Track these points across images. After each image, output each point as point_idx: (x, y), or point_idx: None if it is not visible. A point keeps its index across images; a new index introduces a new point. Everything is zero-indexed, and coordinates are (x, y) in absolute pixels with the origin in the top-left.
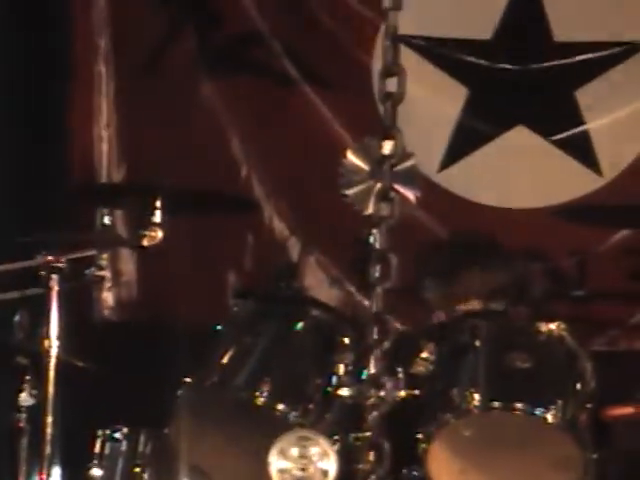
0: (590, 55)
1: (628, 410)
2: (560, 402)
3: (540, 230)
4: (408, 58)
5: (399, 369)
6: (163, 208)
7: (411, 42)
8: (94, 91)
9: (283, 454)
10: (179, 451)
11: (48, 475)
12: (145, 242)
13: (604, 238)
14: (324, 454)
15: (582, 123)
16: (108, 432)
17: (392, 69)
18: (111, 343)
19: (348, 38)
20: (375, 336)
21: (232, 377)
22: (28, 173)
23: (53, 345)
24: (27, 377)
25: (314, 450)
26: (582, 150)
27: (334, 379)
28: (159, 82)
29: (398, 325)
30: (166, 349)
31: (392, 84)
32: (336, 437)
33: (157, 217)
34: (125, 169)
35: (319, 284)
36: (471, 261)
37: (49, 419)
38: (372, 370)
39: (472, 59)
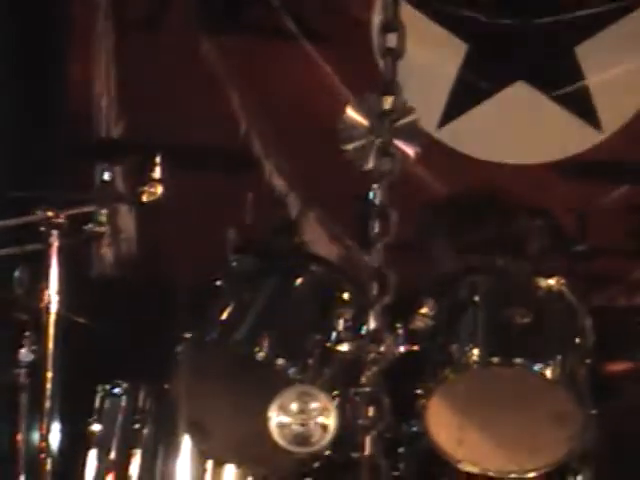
0: (590, 10)
1: (627, 366)
2: (559, 357)
3: (540, 186)
4: (408, 14)
5: (398, 325)
6: (162, 164)
7: None
8: (93, 46)
9: (283, 409)
10: (179, 407)
11: (48, 430)
12: (144, 198)
13: (604, 194)
14: (324, 409)
15: (582, 79)
16: (107, 388)
17: (392, 24)
18: (110, 299)
19: None
20: (375, 291)
21: (231, 333)
22: (27, 128)
23: (53, 301)
24: (27, 333)
25: (314, 405)
26: (582, 106)
27: (333, 334)
28: (158, 38)
29: (397, 281)
30: (165, 305)
31: (392, 40)
32: (336, 392)
33: (156, 173)
34: (124, 125)
35: (319, 240)
36: (473, 217)
37: (49, 375)
38: (372, 325)
39: (472, 14)
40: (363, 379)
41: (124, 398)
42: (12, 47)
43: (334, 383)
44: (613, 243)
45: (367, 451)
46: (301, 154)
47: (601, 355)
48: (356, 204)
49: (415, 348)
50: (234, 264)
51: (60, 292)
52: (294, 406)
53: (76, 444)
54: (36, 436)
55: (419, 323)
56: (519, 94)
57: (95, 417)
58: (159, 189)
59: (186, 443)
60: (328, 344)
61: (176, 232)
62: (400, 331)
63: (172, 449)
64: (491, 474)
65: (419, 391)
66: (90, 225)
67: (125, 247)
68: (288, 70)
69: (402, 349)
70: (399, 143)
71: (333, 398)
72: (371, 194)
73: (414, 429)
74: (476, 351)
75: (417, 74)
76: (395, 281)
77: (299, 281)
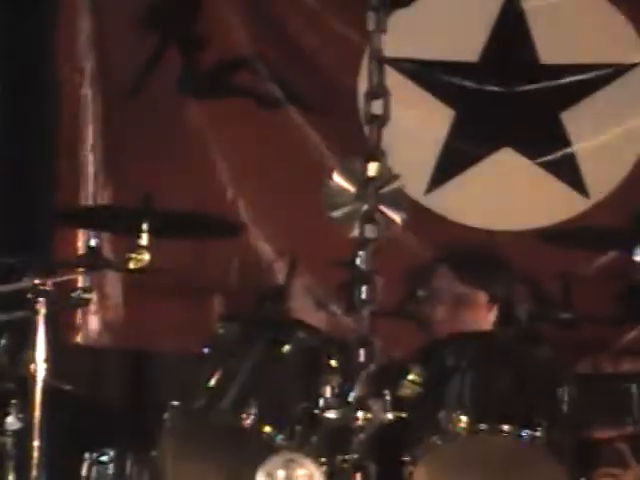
0: (576, 77)
1: (613, 433)
2: (546, 425)
3: (526, 252)
4: (394, 80)
5: (386, 391)
6: (149, 231)
7: (397, 64)
8: (80, 114)
9: (270, 476)
10: (166, 474)
11: None
12: (131, 265)
13: (590, 260)
14: (310, 476)
15: (568, 145)
16: (95, 455)
17: (377, 91)
18: (97, 366)
19: (334, 61)
20: (361, 358)
21: (218, 400)
22: (14, 196)
23: (39, 368)
24: (13, 401)
25: (300, 472)
26: (568, 172)
27: (321, 401)
28: (145, 104)
29: (384, 347)
30: (152, 372)
31: (377, 106)
32: (323, 459)
33: (144, 240)
34: (111, 192)
35: (305, 307)
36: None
37: (35, 443)
38: (358, 392)
39: (459, 81)
40: (350, 446)
41: (111, 466)
42: (0, 115)
43: (321, 450)
44: (599, 310)
45: None
46: (288, 220)
47: (587, 423)
48: (342, 270)
49: (402, 415)
50: (220, 331)
51: (47, 360)
52: (281, 473)
53: None
54: None
55: (406, 390)
56: (505, 160)
57: None
58: (146, 256)
59: None
60: (315, 411)
61: (162, 299)
62: (387, 398)
63: None
64: None
65: (406, 458)
66: (77, 292)
67: (112, 314)
68: (274, 136)
69: (389, 416)
70: (385, 209)
71: (320, 465)
72: (357, 260)
73: None
74: (464, 418)
75: (404, 140)
76: (381, 348)
77: (286, 348)
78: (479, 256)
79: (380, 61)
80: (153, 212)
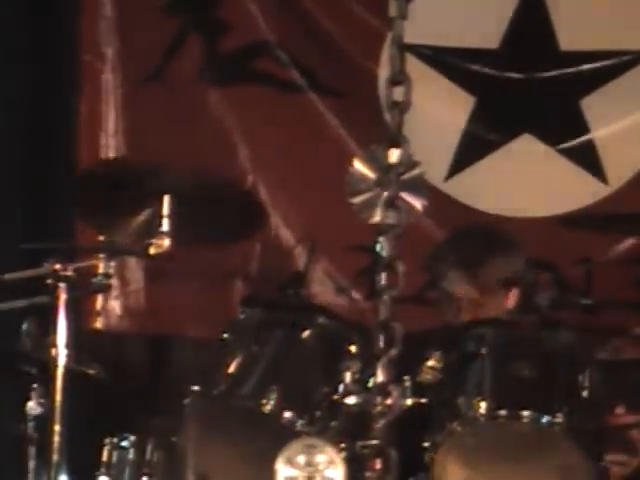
0: (596, 64)
1: (634, 419)
2: (566, 410)
3: (547, 239)
4: (415, 67)
5: (406, 377)
6: (170, 216)
7: (418, 51)
8: (102, 100)
9: (290, 462)
10: (187, 460)
11: None
12: (152, 251)
13: (610, 247)
14: (331, 462)
15: (588, 132)
16: (115, 440)
17: (398, 78)
18: (118, 352)
19: (354, 47)
20: (382, 344)
21: (239, 385)
22: (35, 180)
23: (61, 354)
24: (34, 386)
25: (321, 458)
26: (588, 159)
27: (341, 387)
28: (166, 90)
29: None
30: (174, 357)
31: (398, 93)
32: (343, 445)
33: (164, 226)
34: None
35: (326, 292)
36: (491, 251)
37: (57, 428)
38: (379, 378)
39: (479, 68)
40: (370, 432)
41: (132, 451)
42: (21, 99)
43: (341, 436)
44: (619, 296)
45: None
46: (308, 206)
47: (609, 408)
48: (362, 256)
49: (422, 401)
50: (241, 316)
51: (68, 345)
52: (301, 459)
53: None
54: None
55: (426, 376)
56: (525, 147)
57: (103, 470)
58: (166, 241)
59: None
60: (335, 397)
61: (183, 284)
62: (407, 384)
63: None
64: None
65: (426, 444)
66: (98, 278)
67: (133, 300)
68: (295, 122)
69: (409, 402)
70: (406, 196)
71: (340, 451)
72: (378, 246)
73: None
74: (483, 404)
75: (424, 127)
76: (402, 333)
77: (306, 334)
78: (485, 238)
79: (401, 47)
80: (174, 197)
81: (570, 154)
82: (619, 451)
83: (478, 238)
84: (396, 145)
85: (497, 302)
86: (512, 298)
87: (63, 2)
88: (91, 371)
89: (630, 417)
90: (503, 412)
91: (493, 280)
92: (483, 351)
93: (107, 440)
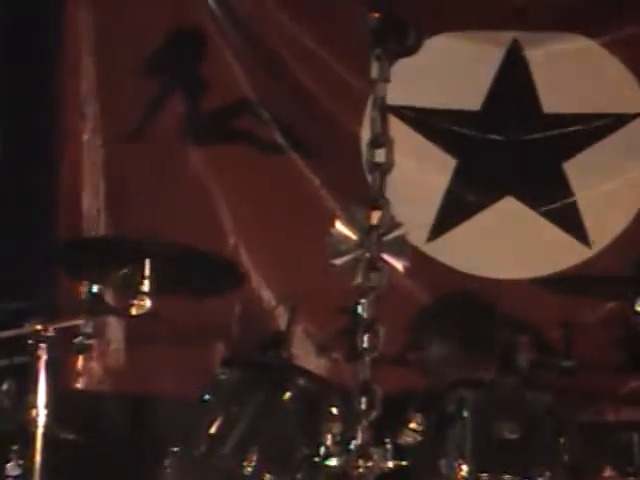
0: (579, 127)
1: None
2: (548, 474)
3: (528, 301)
4: (396, 128)
5: (387, 439)
6: (151, 277)
7: (400, 112)
8: (83, 159)
9: None
10: None
11: None
12: (133, 311)
13: (592, 309)
14: None
15: (571, 194)
16: None
17: (380, 140)
18: (98, 412)
19: (337, 107)
20: (362, 406)
21: (219, 446)
22: (17, 241)
23: (40, 414)
24: (14, 446)
25: None
26: (571, 221)
27: (322, 449)
28: (147, 149)
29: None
30: (153, 418)
31: (380, 154)
32: None
33: (145, 286)
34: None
35: (306, 353)
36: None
37: None
38: (359, 440)
39: (461, 130)
40: None
41: None
42: (4, 159)
43: None
44: (601, 358)
45: None
46: (289, 267)
47: (590, 471)
48: (343, 317)
49: (403, 463)
50: (222, 377)
51: (47, 405)
52: None
53: None
54: None
55: (407, 438)
56: (508, 209)
57: None
58: (148, 302)
59: None
60: (316, 459)
61: (164, 344)
62: (388, 446)
63: None
64: None
65: None
66: (79, 338)
67: (113, 360)
68: (277, 182)
69: (390, 464)
70: (388, 257)
71: None
72: (359, 308)
73: None
74: (465, 467)
75: (406, 188)
76: (382, 395)
77: (287, 395)
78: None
79: (383, 110)
80: (155, 257)
81: (553, 216)
82: None
83: (461, 305)
84: (378, 207)
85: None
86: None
87: (44, 63)
88: (70, 433)
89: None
90: (485, 475)
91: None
92: (464, 413)
93: None
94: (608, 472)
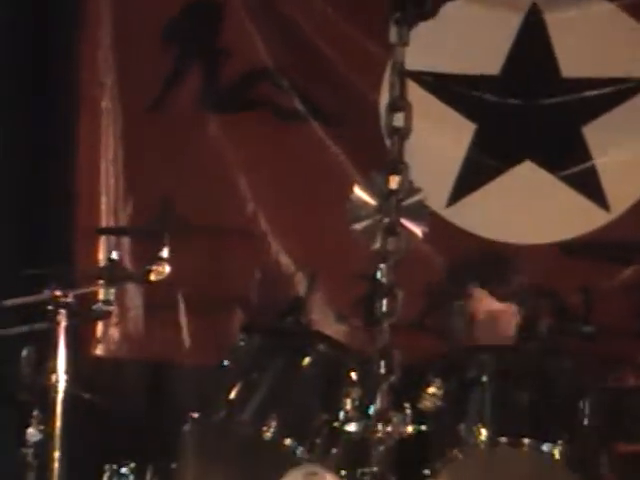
0: (598, 91)
1: (636, 447)
2: (567, 438)
3: (548, 266)
4: (415, 94)
5: (406, 404)
6: (170, 243)
7: (418, 78)
8: (101, 127)
9: None
10: None
11: None
12: (152, 277)
13: (612, 274)
14: None
15: (590, 159)
16: (115, 467)
17: (399, 104)
18: (118, 378)
19: (356, 74)
20: (381, 371)
21: (239, 412)
22: (36, 208)
23: (60, 380)
24: (34, 412)
25: None
26: (590, 186)
27: (341, 414)
28: (166, 119)
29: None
30: (172, 384)
31: (399, 119)
32: (343, 472)
33: (164, 252)
34: (132, 204)
35: (325, 319)
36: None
37: (56, 454)
38: (379, 405)
39: (480, 94)
40: (370, 459)
41: (131, 477)
42: (22, 127)
43: (341, 463)
44: (620, 323)
45: None
46: (308, 233)
47: (610, 436)
48: (362, 283)
49: (423, 428)
50: (241, 343)
51: (67, 371)
52: None
53: None
54: None
55: (427, 403)
56: (527, 174)
57: None
58: (166, 268)
59: None
60: (336, 424)
61: (183, 311)
62: (408, 411)
63: None
64: None
65: (426, 471)
66: (98, 304)
67: (133, 326)
68: (296, 149)
69: (410, 429)
70: (407, 222)
71: (340, 478)
72: (378, 273)
73: None
74: (484, 431)
75: (426, 153)
76: (401, 360)
77: (306, 360)
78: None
79: (402, 74)
80: (174, 225)
81: (572, 181)
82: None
83: (489, 260)
84: (396, 171)
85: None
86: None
87: (62, 33)
88: (90, 397)
89: (635, 446)
90: (504, 439)
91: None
92: (484, 378)
93: (107, 466)
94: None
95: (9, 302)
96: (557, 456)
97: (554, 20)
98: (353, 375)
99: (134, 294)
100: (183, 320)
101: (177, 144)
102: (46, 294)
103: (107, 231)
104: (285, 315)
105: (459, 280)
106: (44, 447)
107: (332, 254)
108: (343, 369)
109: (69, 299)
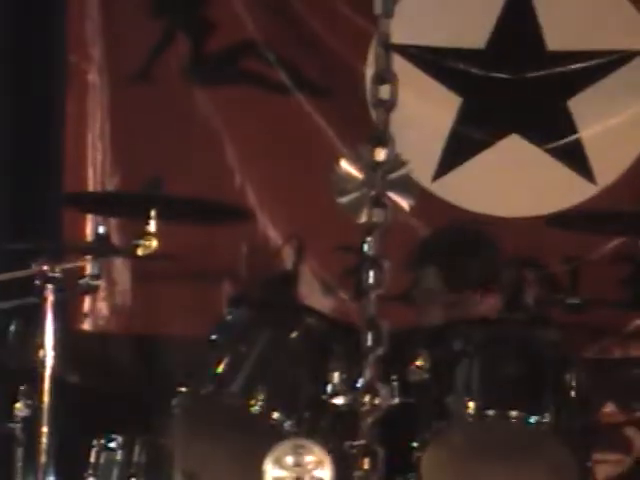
0: (583, 64)
1: (622, 418)
2: (554, 410)
3: (534, 238)
4: (402, 67)
5: (393, 377)
6: (158, 217)
7: (405, 51)
8: (88, 100)
9: (278, 463)
10: (174, 460)
11: None
12: (140, 251)
13: (598, 246)
14: (319, 463)
15: (575, 131)
16: (103, 441)
17: (384, 76)
18: (105, 353)
19: (341, 46)
20: (368, 342)
21: (226, 386)
22: (22, 181)
23: (48, 355)
24: (22, 387)
25: (309, 458)
26: (575, 158)
27: (329, 387)
28: (152, 91)
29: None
30: (160, 358)
31: (385, 91)
32: (331, 445)
33: (151, 226)
34: (119, 177)
35: (313, 292)
36: (468, 251)
37: (44, 429)
38: (366, 376)
39: (465, 68)
40: (358, 432)
41: (120, 452)
42: (8, 100)
43: (329, 436)
44: (606, 295)
45: None
46: (295, 206)
47: (596, 407)
48: (349, 256)
49: (410, 400)
50: (229, 316)
51: (55, 346)
52: (289, 459)
53: None
54: None
55: (414, 375)
56: (513, 147)
57: (91, 471)
58: (154, 242)
59: None
60: (323, 397)
61: (170, 284)
62: (395, 383)
63: None
64: None
65: (414, 444)
66: (85, 278)
67: (120, 300)
68: (282, 122)
69: (397, 401)
70: (393, 195)
71: (328, 451)
72: (364, 246)
73: None
74: (471, 403)
75: (412, 127)
76: (388, 331)
77: (294, 333)
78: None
79: (387, 45)
80: (161, 198)
81: (557, 154)
82: (613, 449)
83: (456, 238)
84: (382, 143)
85: (473, 303)
86: (493, 299)
87: (48, 3)
88: (77, 373)
89: (620, 415)
90: (491, 411)
91: (469, 280)
92: (470, 350)
93: (95, 441)
94: (609, 408)
95: None
96: (545, 428)
97: None
98: (341, 348)
99: (121, 268)
100: (171, 294)
101: (164, 117)
102: (33, 269)
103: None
104: (273, 288)
105: (420, 262)
106: (32, 422)
107: (319, 227)
108: (331, 342)
109: (56, 273)
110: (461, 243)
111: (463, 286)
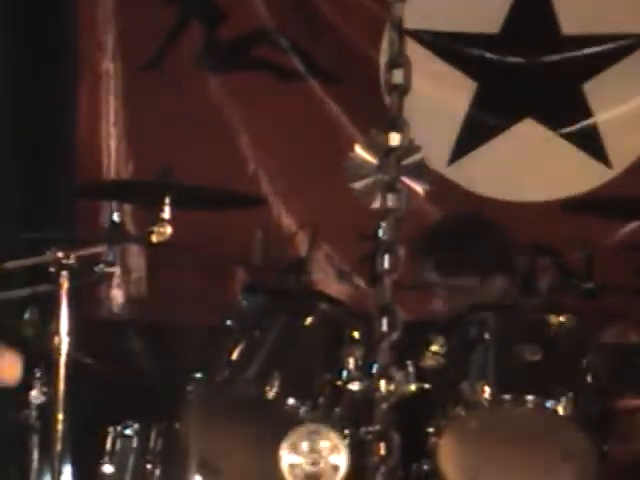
0: (598, 48)
1: (638, 402)
2: (570, 395)
3: (549, 223)
4: (416, 52)
5: (409, 362)
6: (172, 204)
7: (419, 36)
8: (101, 88)
9: (293, 448)
10: (190, 447)
11: (59, 472)
12: (154, 238)
13: (613, 231)
14: (335, 448)
15: (590, 116)
16: (119, 429)
17: (398, 60)
18: (120, 340)
19: (355, 32)
20: (383, 328)
21: (242, 372)
22: (36, 170)
23: (63, 342)
24: (37, 374)
25: (324, 444)
26: (591, 143)
27: (344, 373)
28: (166, 78)
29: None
30: (175, 345)
31: (398, 76)
32: (346, 431)
33: (166, 213)
34: (133, 165)
35: (327, 278)
36: (468, 241)
37: (60, 416)
38: (381, 361)
39: (480, 53)
40: (373, 417)
41: (135, 439)
42: (21, 89)
43: (344, 422)
44: (622, 280)
45: None
46: (309, 192)
47: (612, 392)
48: (364, 242)
49: (426, 386)
50: (243, 303)
51: (70, 333)
52: (305, 445)
53: None
54: (47, 478)
55: (429, 361)
56: (528, 131)
57: (107, 458)
58: (168, 229)
59: None
60: (338, 383)
61: (185, 272)
62: (410, 369)
63: None
64: None
65: (430, 429)
66: (100, 266)
67: (135, 287)
68: (295, 108)
69: (413, 387)
70: (407, 180)
71: (343, 437)
72: (379, 231)
73: (425, 468)
74: (487, 389)
75: (426, 112)
76: (402, 317)
77: (309, 320)
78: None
79: (400, 30)
80: (175, 185)
81: (572, 138)
82: (629, 437)
83: (455, 226)
84: (396, 128)
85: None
86: (499, 282)
87: None
88: (93, 360)
89: (636, 401)
90: (507, 397)
91: (471, 266)
92: (486, 336)
93: (110, 428)
94: (628, 396)
95: (10, 264)
96: (561, 413)
97: None
98: (356, 334)
99: (136, 256)
100: (185, 281)
101: (177, 104)
102: (48, 256)
103: (110, 188)
104: (287, 275)
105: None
106: (47, 409)
107: (333, 213)
108: (346, 328)
109: (71, 261)
110: (461, 230)
111: (464, 273)
